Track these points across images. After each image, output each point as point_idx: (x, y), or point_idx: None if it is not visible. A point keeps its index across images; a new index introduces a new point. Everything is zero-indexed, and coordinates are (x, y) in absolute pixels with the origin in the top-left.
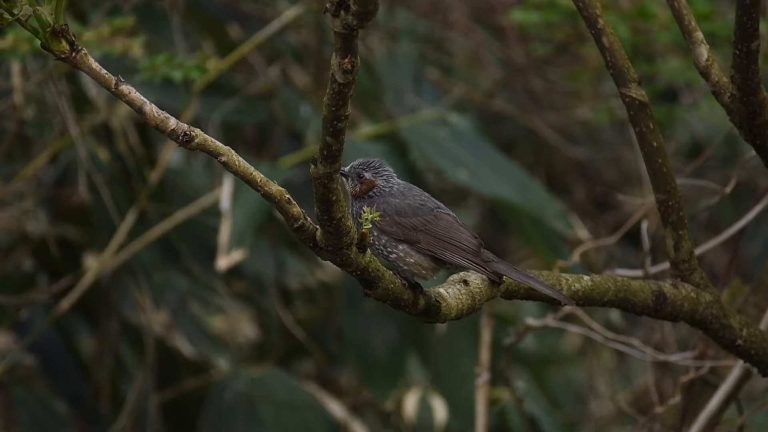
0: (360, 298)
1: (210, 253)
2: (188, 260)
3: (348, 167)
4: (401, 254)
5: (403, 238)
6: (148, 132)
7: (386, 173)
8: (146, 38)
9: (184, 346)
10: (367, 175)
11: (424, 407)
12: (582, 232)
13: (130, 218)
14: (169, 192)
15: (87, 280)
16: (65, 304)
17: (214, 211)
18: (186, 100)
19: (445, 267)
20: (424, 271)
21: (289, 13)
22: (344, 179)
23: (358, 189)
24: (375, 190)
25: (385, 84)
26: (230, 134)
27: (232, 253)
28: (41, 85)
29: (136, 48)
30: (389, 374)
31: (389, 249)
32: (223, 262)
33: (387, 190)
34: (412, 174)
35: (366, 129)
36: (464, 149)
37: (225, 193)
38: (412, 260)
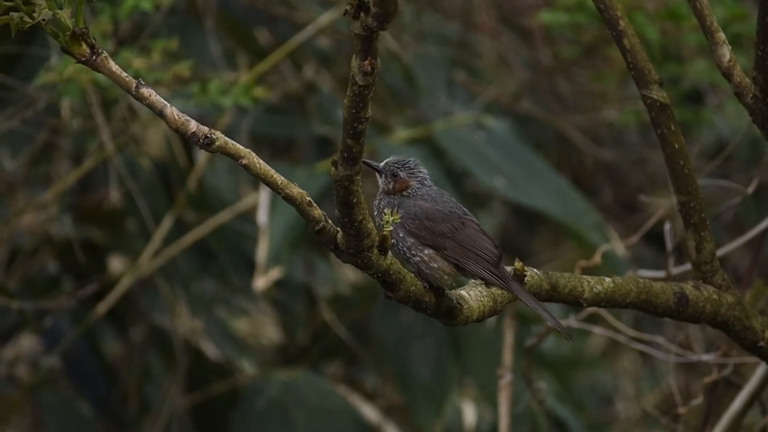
0: (396, 305)
1: (241, 257)
2: (223, 267)
3: (383, 163)
4: (426, 258)
5: (431, 243)
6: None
7: (421, 175)
8: (190, 60)
9: (210, 349)
10: (402, 174)
11: (454, 411)
12: (619, 248)
13: (167, 223)
14: (209, 199)
15: (122, 286)
16: (101, 309)
17: (244, 216)
18: (218, 110)
19: (466, 275)
20: (446, 277)
21: (324, 19)
22: (378, 175)
23: (391, 187)
24: (408, 191)
25: (421, 86)
26: (260, 141)
27: (269, 272)
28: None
29: (185, 71)
30: (433, 396)
31: (413, 252)
32: (261, 282)
33: (420, 193)
34: (450, 178)
35: (402, 133)
36: (501, 154)
37: (262, 205)
38: (435, 265)
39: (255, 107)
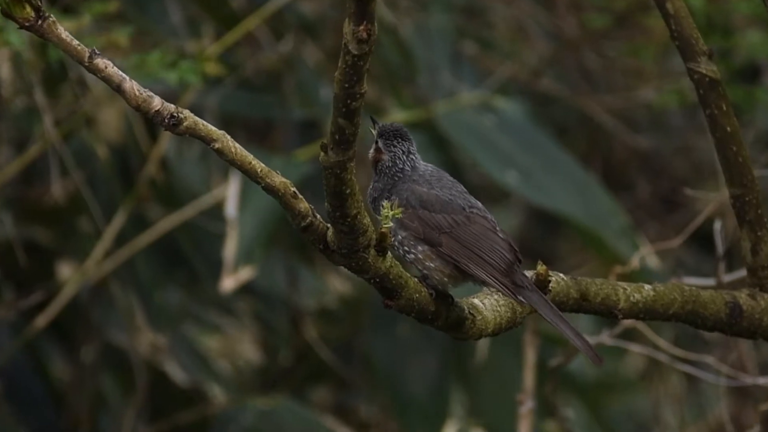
0: (390, 318)
1: (212, 261)
2: (191, 273)
3: (378, 126)
4: (420, 256)
5: (423, 236)
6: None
7: (399, 147)
8: (135, 26)
9: (175, 371)
10: (380, 143)
11: None
12: (652, 260)
13: (119, 219)
14: (177, 191)
15: (66, 294)
16: (40, 321)
17: (215, 212)
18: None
19: (472, 280)
20: (445, 279)
21: None
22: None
23: (371, 156)
24: (397, 172)
25: (418, 62)
26: (231, 122)
27: (239, 271)
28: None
29: (123, 40)
30: (430, 416)
31: (406, 248)
32: (228, 283)
33: (408, 172)
34: (454, 170)
35: (397, 116)
36: (513, 142)
37: (231, 195)
38: (432, 265)
39: (228, 83)
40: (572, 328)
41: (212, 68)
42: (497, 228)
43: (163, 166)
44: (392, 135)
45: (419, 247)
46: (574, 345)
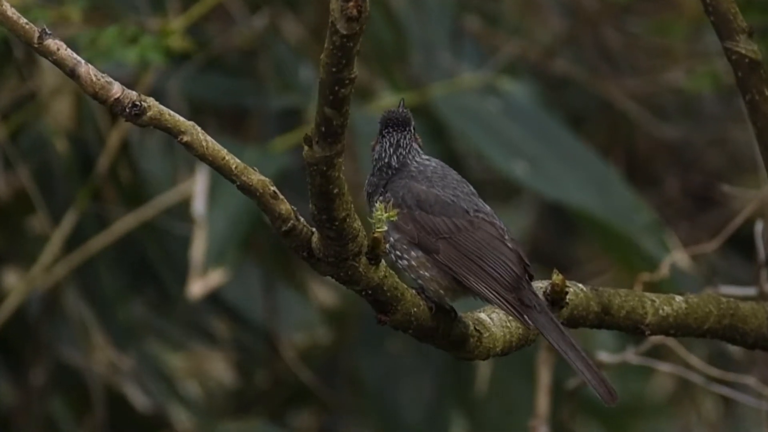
0: (380, 333)
1: (176, 267)
2: (156, 282)
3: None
4: (413, 263)
5: (417, 241)
6: None
7: (388, 139)
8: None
9: (136, 394)
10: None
11: None
12: (682, 259)
13: (70, 219)
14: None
15: (10, 304)
16: None
17: (180, 213)
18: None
19: (473, 294)
20: (441, 291)
21: None
22: None
23: (371, 146)
24: (383, 166)
25: (412, 39)
26: (200, 109)
27: (208, 275)
28: None
29: (75, 14)
30: None
31: (398, 252)
32: (197, 287)
33: (396, 167)
34: (452, 161)
35: (387, 99)
36: (521, 130)
37: (199, 191)
38: (426, 274)
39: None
40: (584, 358)
41: (177, 43)
42: (506, 236)
43: (124, 159)
44: (386, 123)
45: (413, 253)
46: (584, 379)
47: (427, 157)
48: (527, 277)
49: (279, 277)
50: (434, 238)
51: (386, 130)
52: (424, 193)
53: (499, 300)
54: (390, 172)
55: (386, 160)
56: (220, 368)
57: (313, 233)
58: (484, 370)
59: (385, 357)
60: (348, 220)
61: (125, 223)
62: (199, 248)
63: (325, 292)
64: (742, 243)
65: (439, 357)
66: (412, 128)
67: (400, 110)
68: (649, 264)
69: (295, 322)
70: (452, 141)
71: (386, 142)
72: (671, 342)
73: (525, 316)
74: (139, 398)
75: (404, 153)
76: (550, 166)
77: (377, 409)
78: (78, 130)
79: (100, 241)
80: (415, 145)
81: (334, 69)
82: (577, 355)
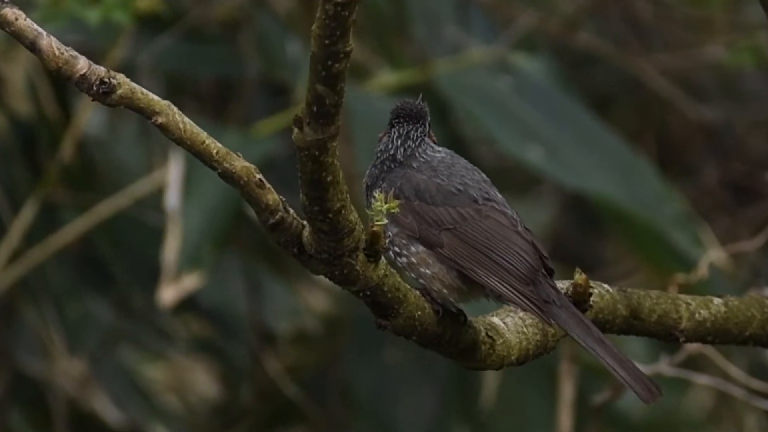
0: (376, 340)
1: (146, 267)
2: (125, 283)
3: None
4: (414, 260)
5: (417, 235)
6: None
7: (397, 130)
8: None
9: (107, 409)
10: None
11: None
12: (720, 257)
13: (27, 213)
14: (96, 175)
15: None
16: None
17: (153, 204)
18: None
19: (483, 293)
20: (445, 291)
21: None
22: None
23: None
24: (387, 158)
25: (413, 10)
26: (177, 87)
27: (182, 279)
28: None
29: None
30: None
31: (397, 248)
32: (169, 293)
33: (401, 160)
34: (458, 146)
35: (386, 78)
36: (536, 111)
37: (172, 181)
38: (428, 271)
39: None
40: (615, 354)
41: (147, 4)
42: (519, 226)
43: (77, 145)
44: (398, 113)
45: (412, 248)
46: (617, 378)
47: (439, 149)
48: (545, 270)
49: (265, 278)
50: (437, 230)
51: (397, 121)
52: (423, 183)
53: (514, 294)
54: (393, 165)
55: (392, 152)
56: (201, 380)
57: (304, 227)
58: (491, 380)
59: (382, 367)
60: (343, 211)
61: (93, 215)
62: (171, 248)
63: (316, 296)
64: None
65: (441, 366)
66: (426, 123)
67: (417, 102)
68: (680, 263)
69: (283, 330)
70: (458, 124)
71: (395, 133)
72: (709, 351)
73: (544, 312)
74: (110, 412)
75: (413, 146)
76: (569, 151)
77: (373, 426)
78: (30, 110)
79: (62, 238)
80: (427, 140)
81: (327, 41)
82: (607, 350)
